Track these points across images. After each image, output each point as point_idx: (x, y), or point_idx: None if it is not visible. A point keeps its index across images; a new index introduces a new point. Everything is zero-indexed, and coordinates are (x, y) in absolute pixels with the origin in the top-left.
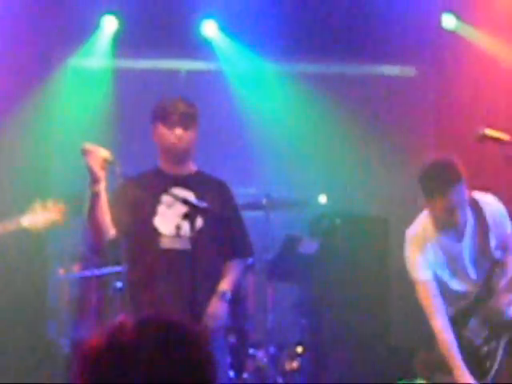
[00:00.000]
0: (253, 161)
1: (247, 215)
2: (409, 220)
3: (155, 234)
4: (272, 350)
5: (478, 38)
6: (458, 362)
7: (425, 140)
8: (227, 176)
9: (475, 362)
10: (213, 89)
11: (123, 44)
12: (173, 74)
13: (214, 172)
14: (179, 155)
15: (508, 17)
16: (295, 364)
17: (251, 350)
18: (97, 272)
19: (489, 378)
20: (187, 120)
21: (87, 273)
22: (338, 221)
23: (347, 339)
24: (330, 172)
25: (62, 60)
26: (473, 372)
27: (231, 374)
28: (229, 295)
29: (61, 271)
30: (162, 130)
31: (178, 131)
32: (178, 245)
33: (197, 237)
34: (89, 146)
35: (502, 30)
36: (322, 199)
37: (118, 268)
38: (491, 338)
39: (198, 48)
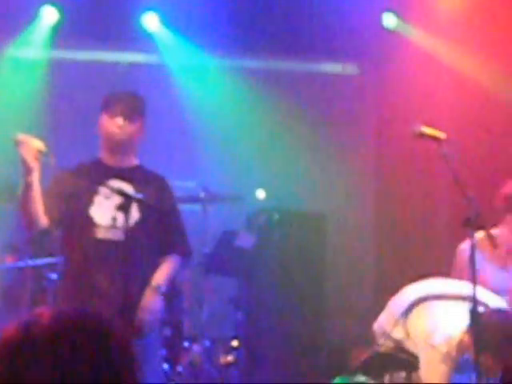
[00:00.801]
0: (192, 154)
1: (185, 208)
2: (346, 216)
3: (91, 223)
4: (207, 343)
5: (418, 37)
6: None
7: (365, 137)
8: (166, 169)
9: None
10: (153, 82)
11: (63, 35)
12: (113, 66)
13: (152, 165)
14: (118, 145)
15: (447, 16)
16: (230, 358)
17: (186, 344)
18: (31, 263)
19: None
20: (130, 111)
21: (21, 264)
22: (275, 215)
23: (283, 334)
24: (269, 167)
25: None
26: None
27: (165, 366)
28: (163, 289)
29: None
30: (104, 119)
31: (119, 121)
32: (112, 235)
33: (132, 229)
34: (22, 136)
35: (442, 29)
36: (261, 194)
37: (52, 259)
38: None
39: (139, 40)
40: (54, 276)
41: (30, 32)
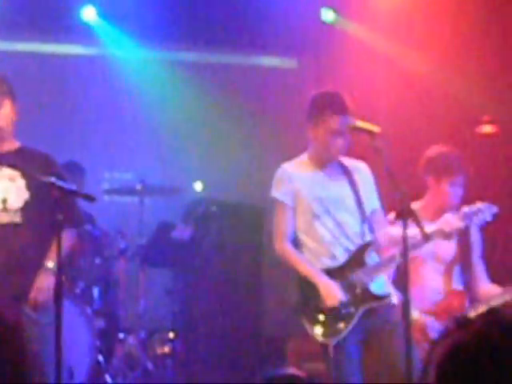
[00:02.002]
0: (130, 146)
1: (122, 200)
2: None
3: None
4: (143, 335)
5: (356, 31)
6: (314, 271)
7: (303, 130)
8: (103, 161)
9: (330, 319)
10: (92, 74)
11: (0, 26)
12: (51, 57)
13: (90, 157)
14: None
15: (384, 10)
16: (166, 349)
17: (121, 335)
18: None
19: (338, 337)
20: None
21: None
22: (213, 208)
23: (219, 325)
24: (207, 159)
25: None
26: (323, 328)
27: (100, 358)
28: (54, 268)
29: None
30: None
31: None
32: (5, 218)
33: (24, 209)
34: None
35: (379, 23)
36: (198, 186)
37: None
38: (350, 304)
39: (78, 32)
40: None
41: None
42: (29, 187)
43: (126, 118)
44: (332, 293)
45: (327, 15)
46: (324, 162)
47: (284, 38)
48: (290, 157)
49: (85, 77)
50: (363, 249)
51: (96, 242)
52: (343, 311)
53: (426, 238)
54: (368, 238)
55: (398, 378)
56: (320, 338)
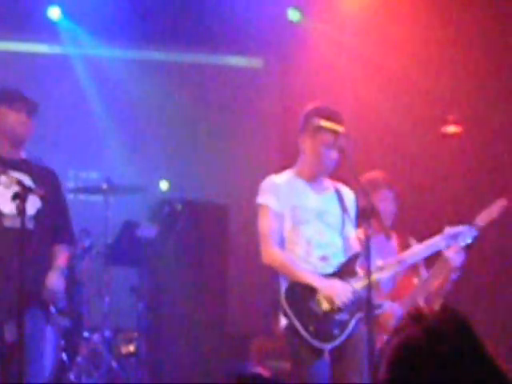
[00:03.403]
0: (95, 145)
1: (87, 199)
2: (248, 206)
3: None
4: (107, 333)
5: (321, 31)
6: (307, 273)
7: (269, 129)
8: (69, 159)
9: (323, 325)
10: (57, 73)
11: None
12: (16, 56)
13: (55, 156)
14: (21, 140)
15: (349, 10)
16: (131, 348)
17: (86, 334)
18: None
19: (332, 344)
20: (32, 109)
21: None
22: (178, 206)
23: (184, 324)
24: (173, 158)
25: None
26: (317, 333)
27: (64, 357)
28: (65, 271)
29: None
30: (8, 113)
31: (23, 117)
32: (18, 224)
33: (35, 217)
34: None
35: (344, 22)
36: (164, 185)
37: None
38: (345, 311)
39: (43, 32)
40: None
41: None
42: (41, 197)
43: (91, 116)
44: (338, 291)
45: (294, 15)
46: (315, 175)
47: (250, 37)
48: (255, 155)
49: (50, 76)
50: (353, 259)
51: None
52: (337, 317)
53: (388, 236)
54: (348, 252)
55: None
56: (315, 343)
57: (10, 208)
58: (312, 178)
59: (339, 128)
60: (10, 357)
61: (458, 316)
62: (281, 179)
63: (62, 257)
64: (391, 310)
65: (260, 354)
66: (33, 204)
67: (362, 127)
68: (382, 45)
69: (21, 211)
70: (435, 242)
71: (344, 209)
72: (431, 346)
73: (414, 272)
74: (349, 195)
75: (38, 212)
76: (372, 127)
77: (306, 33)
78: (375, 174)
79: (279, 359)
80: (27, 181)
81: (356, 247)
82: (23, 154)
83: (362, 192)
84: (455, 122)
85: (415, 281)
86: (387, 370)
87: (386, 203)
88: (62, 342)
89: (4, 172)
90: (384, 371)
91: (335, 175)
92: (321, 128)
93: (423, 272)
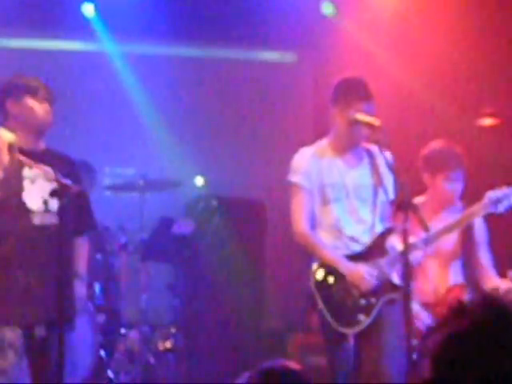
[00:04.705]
0: (131, 141)
1: (123, 196)
2: (285, 202)
3: (25, 210)
4: (145, 329)
5: (353, 27)
6: (334, 256)
7: (303, 124)
8: (105, 156)
9: (348, 310)
10: (91, 70)
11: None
12: (50, 54)
13: (91, 152)
14: (44, 130)
15: (381, 8)
16: (168, 344)
17: (123, 330)
18: None
19: (357, 329)
20: (52, 97)
21: None
22: (214, 202)
23: (221, 320)
24: (208, 154)
25: None
26: (342, 318)
27: (102, 353)
28: (86, 278)
29: None
30: (31, 103)
31: (47, 106)
32: (47, 220)
33: (63, 212)
34: None
35: (376, 20)
36: (199, 181)
37: None
38: (371, 294)
39: (77, 29)
40: None
41: None
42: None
43: (127, 113)
44: (363, 278)
45: (327, 9)
46: (345, 148)
47: (284, 32)
48: (289, 150)
49: (85, 73)
50: (384, 237)
51: (97, 238)
52: (363, 302)
53: (426, 230)
54: (378, 227)
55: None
56: (339, 328)
57: (37, 204)
58: (343, 151)
59: (376, 122)
60: (40, 353)
61: (501, 307)
62: (311, 154)
63: (82, 258)
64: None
65: (298, 350)
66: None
67: (397, 119)
68: (417, 35)
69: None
70: (474, 210)
71: (378, 177)
72: (477, 340)
73: None
74: (383, 158)
75: (64, 207)
76: (408, 118)
77: (339, 26)
78: (442, 149)
79: (317, 354)
80: (48, 170)
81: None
82: (43, 144)
83: (399, 185)
84: (492, 115)
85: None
86: (432, 366)
87: (452, 183)
88: (100, 339)
89: (32, 165)
90: (428, 368)
91: None
92: (357, 121)
93: None
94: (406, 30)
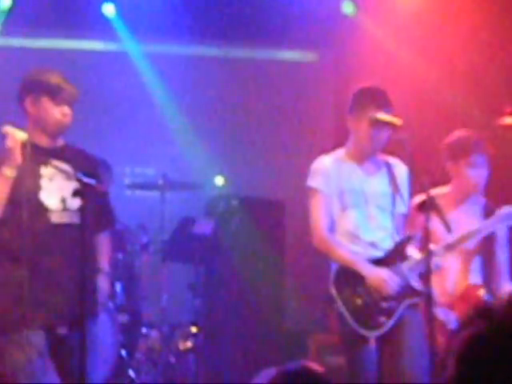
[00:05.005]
0: (151, 141)
1: (143, 195)
2: (305, 202)
3: (42, 209)
4: (165, 329)
5: (375, 26)
6: (356, 259)
7: (323, 124)
8: (125, 156)
9: (369, 313)
10: (112, 69)
11: (18, 22)
12: (71, 53)
13: (111, 151)
14: (61, 132)
15: (403, 7)
16: (189, 344)
17: (144, 330)
18: None
19: (379, 331)
20: (73, 100)
21: None
22: (234, 202)
23: (241, 320)
24: (228, 154)
25: None
26: (363, 321)
27: (123, 353)
28: (110, 272)
29: None
30: (49, 104)
31: (66, 109)
32: (65, 219)
33: (83, 210)
34: (8, 128)
35: (397, 19)
36: (219, 181)
37: None
38: (393, 298)
39: (98, 29)
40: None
41: None
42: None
43: (147, 113)
44: (385, 281)
45: (348, 8)
46: (364, 155)
47: (304, 31)
48: (310, 150)
49: (106, 72)
50: (404, 243)
51: (118, 237)
52: (384, 305)
53: (448, 229)
54: (398, 231)
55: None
56: (360, 330)
57: (55, 202)
58: (361, 159)
59: (397, 121)
60: (63, 352)
61: None
62: (330, 161)
63: (105, 253)
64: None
65: (318, 350)
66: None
67: (418, 118)
68: (438, 33)
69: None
70: (489, 224)
71: (395, 186)
72: (501, 340)
73: None
74: (401, 170)
75: (82, 204)
76: (428, 117)
77: (360, 25)
78: (465, 135)
79: (337, 355)
80: (68, 170)
81: (407, 227)
82: (61, 141)
83: (421, 184)
84: None
85: None
86: (456, 365)
87: (475, 169)
88: (121, 338)
89: (44, 164)
90: (452, 367)
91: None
92: (378, 121)
93: None
94: (427, 28)
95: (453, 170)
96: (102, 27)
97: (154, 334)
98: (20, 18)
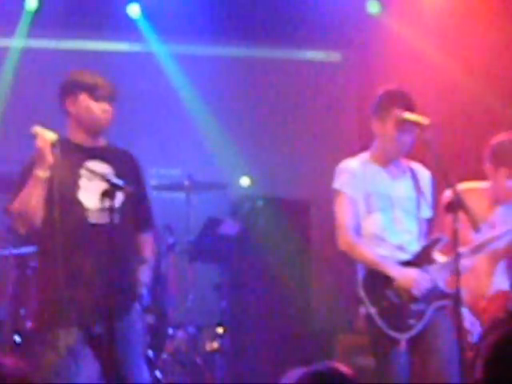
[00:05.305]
0: (177, 142)
1: (169, 196)
2: (330, 202)
3: (81, 208)
4: (192, 330)
5: (400, 25)
6: (384, 261)
7: (348, 124)
8: (151, 157)
9: (399, 315)
10: (137, 71)
11: (44, 24)
12: (97, 54)
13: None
14: (102, 129)
15: (429, 6)
16: (215, 345)
17: (171, 331)
18: (14, 251)
19: (409, 334)
20: (113, 96)
21: (4, 252)
22: (259, 203)
23: (267, 321)
24: (254, 154)
25: None
26: (393, 323)
27: (150, 353)
28: (153, 266)
29: None
30: (88, 101)
31: (105, 105)
32: (103, 219)
33: (120, 210)
34: (38, 128)
35: (423, 18)
36: (245, 182)
37: (35, 247)
38: (422, 300)
39: (123, 30)
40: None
41: (14, 22)
42: (130, 193)
43: (172, 114)
44: (414, 281)
45: (373, 7)
46: (388, 158)
47: (329, 31)
48: (334, 150)
49: (131, 74)
50: (431, 246)
51: None
52: (414, 307)
53: (476, 229)
54: (423, 235)
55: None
56: (391, 333)
57: (94, 202)
58: (386, 162)
59: (424, 120)
60: (101, 348)
61: None
62: (356, 163)
63: (148, 249)
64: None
65: (345, 351)
66: (116, 197)
67: (445, 117)
68: (465, 32)
69: (110, 209)
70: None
71: (419, 191)
72: None
73: None
74: (424, 175)
75: (123, 204)
76: (456, 117)
77: (385, 25)
78: (504, 139)
79: (365, 355)
80: (107, 169)
81: (435, 229)
82: (102, 141)
83: (449, 186)
84: None
85: None
86: (484, 368)
87: None
88: (148, 339)
89: (83, 164)
90: (480, 369)
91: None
92: (405, 121)
93: None
94: (453, 27)
95: (491, 173)
96: (127, 28)
97: (181, 334)
98: (46, 20)
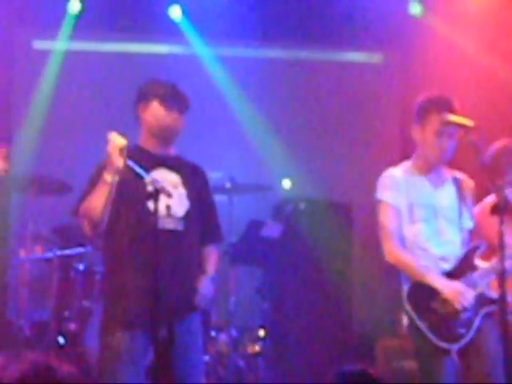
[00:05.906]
0: (218, 145)
1: None
2: (372, 205)
3: (148, 214)
4: (234, 333)
5: (442, 27)
6: (430, 273)
7: (390, 126)
8: (193, 159)
9: (448, 325)
10: (179, 73)
11: (86, 26)
12: (138, 57)
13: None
14: (172, 138)
15: (471, 6)
16: (257, 347)
17: (213, 333)
18: (59, 253)
19: (460, 343)
20: (184, 107)
21: (49, 254)
22: (301, 205)
23: (309, 323)
24: (295, 157)
25: (26, 43)
26: (443, 334)
27: None
28: (216, 279)
29: (22, 252)
30: (159, 109)
31: (175, 114)
32: (170, 225)
33: (185, 217)
34: (112, 134)
35: (466, 19)
36: (286, 184)
37: (80, 250)
38: (469, 309)
39: (165, 32)
40: (81, 266)
41: (57, 25)
42: (189, 197)
43: (214, 116)
44: (460, 293)
45: (415, 9)
46: (430, 166)
47: (371, 32)
48: (376, 153)
49: (173, 76)
50: (471, 253)
51: None
52: (462, 316)
53: None
54: (465, 244)
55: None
56: (441, 344)
57: (161, 209)
58: (428, 171)
59: (469, 122)
60: (163, 352)
61: None
62: (399, 173)
63: (212, 261)
64: None
65: (386, 354)
66: (181, 204)
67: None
68: (508, 33)
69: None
70: None
71: (462, 200)
72: None
73: None
74: (467, 184)
75: (187, 213)
76: (502, 125)
77: (427, 27)
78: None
79: (405, 359)
80: (175, 178)
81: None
82: (172, 151)
83: (495, 187)
84: None
85: None
86: None
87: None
88: None
89: (152, 171)
90: None
91: (458, 170)
92: (450, 123)
93: None
94: (496, 28)
95: None
96: (169, 30)
97: (223, 337)
98: (88, 23)
